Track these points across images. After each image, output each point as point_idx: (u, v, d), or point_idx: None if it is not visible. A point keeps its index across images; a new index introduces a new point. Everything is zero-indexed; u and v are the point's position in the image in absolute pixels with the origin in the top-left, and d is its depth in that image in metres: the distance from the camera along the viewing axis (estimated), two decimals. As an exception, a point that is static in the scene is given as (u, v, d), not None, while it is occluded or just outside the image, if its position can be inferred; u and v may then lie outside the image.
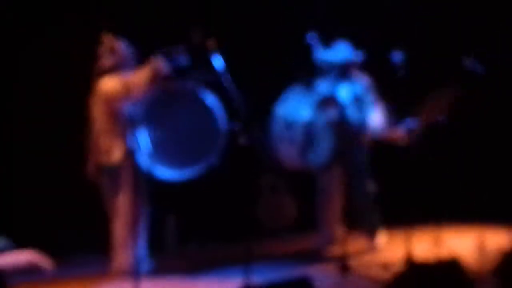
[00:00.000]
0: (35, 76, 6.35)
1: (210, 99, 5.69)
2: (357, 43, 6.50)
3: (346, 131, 5.90)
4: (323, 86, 6.25)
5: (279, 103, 6.08)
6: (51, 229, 6.12)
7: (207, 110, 5.71)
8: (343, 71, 6.21)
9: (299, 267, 5.81)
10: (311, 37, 5.74)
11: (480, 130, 7.33)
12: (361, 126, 6.17)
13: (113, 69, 5.50)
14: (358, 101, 6.20)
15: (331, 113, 5.96)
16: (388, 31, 7.53)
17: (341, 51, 6.27)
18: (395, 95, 5.73)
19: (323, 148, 5.95)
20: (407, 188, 5.84)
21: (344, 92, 6.17)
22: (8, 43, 6.22)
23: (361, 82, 6.31)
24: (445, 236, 5.82)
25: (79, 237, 6.25)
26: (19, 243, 4.80)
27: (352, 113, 6.05)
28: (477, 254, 5.53)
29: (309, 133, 5.86)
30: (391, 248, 6.24)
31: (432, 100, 6.00)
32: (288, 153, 6.00)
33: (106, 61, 5.54)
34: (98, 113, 5.59)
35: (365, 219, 6.37)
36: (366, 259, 5.92)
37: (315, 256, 6.26)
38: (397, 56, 5.75)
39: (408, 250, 5.55)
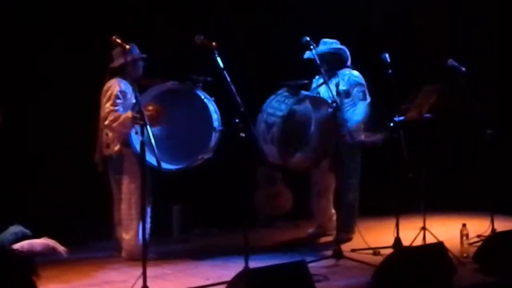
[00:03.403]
0: (52, 74, 6.63)
1: (207, 98, 5.89)
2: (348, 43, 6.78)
3: (332, 128, 5.93)
4: (312, 86, 6.47)
5: (264, 105, 6.10)
6: (65, 219, 6.40)
7: (203, 109, 5.91)
8: (329, 64, 6.27)
9: (294, 253, 6.07)
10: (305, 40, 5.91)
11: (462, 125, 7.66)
12: (344, 122, 6.17)
13: (122, 70, 5.79)
14: (342, 95, 6.35)
15: (320, 112, 6.07)
16: (378, 32, 7.87)
17: (325, 44, 6.41)
18: (384, 92, 5.96)
19: (310, 146, 6.07)
20: (395, 180, 6.18)
21: (331, 87, 6.07)
22: (29, 44, 6.50)
23: (348, 77, 6.46)
24: (430, 224, 6.00)
25: (91, 226, 6.52)
26: (35, 232, 5.16)
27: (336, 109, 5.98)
28: (459, 241, 5.77)
29: (288, 134, 5.91)
30: (381, 235, 6.51)
31: (418, 96, 6.12)
32: (271, 152, 6.01)
33: (117, 62, 5.85)
34: (101, 109, 5.93)
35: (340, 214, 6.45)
36: (357, 244, 6.16)
37: (309, 243, 6.61)
38: (386, 56, 6.08)
39: (397, 236, 5.91)
